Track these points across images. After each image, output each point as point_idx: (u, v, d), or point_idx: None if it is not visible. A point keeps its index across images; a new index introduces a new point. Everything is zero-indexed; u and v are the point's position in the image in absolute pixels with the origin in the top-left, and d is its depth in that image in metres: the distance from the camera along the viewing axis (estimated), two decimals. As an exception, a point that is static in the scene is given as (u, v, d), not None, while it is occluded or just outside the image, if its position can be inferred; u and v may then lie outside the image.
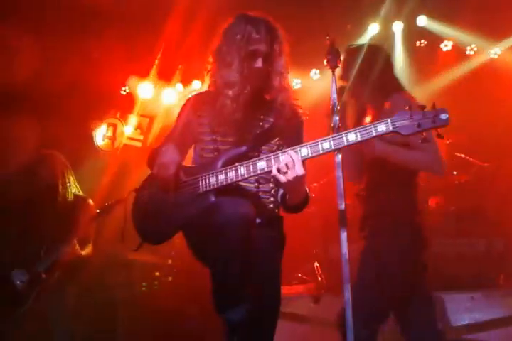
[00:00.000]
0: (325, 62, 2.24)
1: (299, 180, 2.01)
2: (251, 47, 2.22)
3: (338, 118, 2.18)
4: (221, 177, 2.13)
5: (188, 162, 2.43)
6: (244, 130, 2.30)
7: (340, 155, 2.16)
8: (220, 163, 2.18)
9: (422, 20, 5.49)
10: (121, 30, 4.89)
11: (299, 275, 4.71)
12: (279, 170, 2.01)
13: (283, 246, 2.35)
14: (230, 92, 2.24)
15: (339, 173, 2.18)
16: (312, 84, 5.99)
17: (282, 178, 2.01)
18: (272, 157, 2.08)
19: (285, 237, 2.36)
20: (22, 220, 3.98)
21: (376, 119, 2.35)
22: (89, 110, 5.48)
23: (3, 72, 4.24)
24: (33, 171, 3.98)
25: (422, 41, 5.71)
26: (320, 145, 2.02)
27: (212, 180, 2.15)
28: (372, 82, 2.78)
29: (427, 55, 5.76)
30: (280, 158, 2.03)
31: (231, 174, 2.12)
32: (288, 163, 1.99)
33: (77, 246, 3.88)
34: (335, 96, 2.21)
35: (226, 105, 2.25)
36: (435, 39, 5.62)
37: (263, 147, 2.28)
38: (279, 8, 4.21)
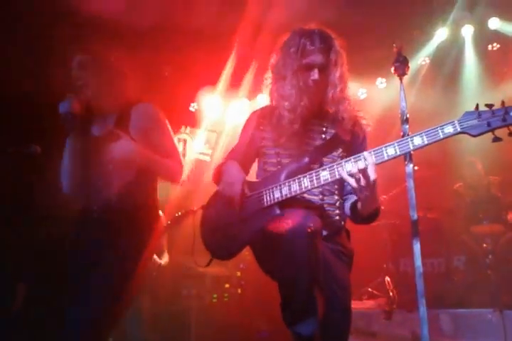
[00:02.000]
0: (392, 70, 2.20)
1: (371, 185, 1.96)
2: (306, 59, 2.21)
3: (407, 126, 2.12)
4: (285, 190, 2.13)
5: (251, 175, 2.45)
6: (305, 142, 2.29)
7: (410, 165, 2.10)
8: (283, 176, 2.18)
9: (495, 23, 5.27)
10: (190, 48, 5.03)
11: (370, 290, 4.60)
12: (351, 175, 1.98)
13: (350, 259, 2.29)
14: (287, 104, 2.25)
15: (410, 184, 2.11)
16: (378, 93, 5.88)
17: (353, 183, 1.97)
18: (336, 166, 2.05)
19: (352, 250, 2.30)
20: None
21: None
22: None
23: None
24: None
25: (495, 44, 5.48)
26: (384, 151, 1.97)
27: (277, 193, 2.15)
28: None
29: (500, 58, 5.51)
30: (350, 162, 2.00)
31: (295, 186, 2.12)
32: (361, 166, 1.95)
33: (155, 256, 3.99)
34: (404, 104, 2.16)
35: (284, 117, 2.26)
36: (509, 42, 5.37)
37: (324, 159, 2.26)
38: (344, 18, 4.19)
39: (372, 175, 1.94)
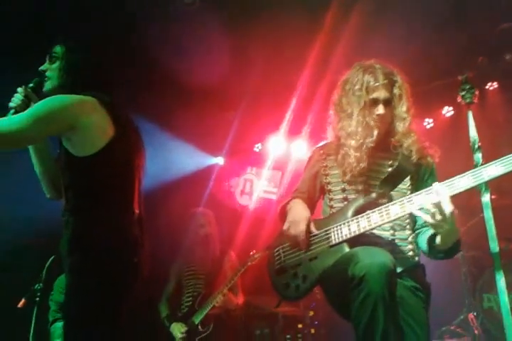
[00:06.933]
0: (459, 99, 2.16)
1: (449, 218, 1.87)
2: (370, 95, 2.22)
3: (480, 155, 2.05)
4: (353, 227, 2.10)
5: (317, 213, 2.42)
6: (372, 177, 2.27)
7: (487, 195, 2.01)
8: (350, 213, 2.16)
9: None
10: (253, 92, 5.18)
11: (452, 328, 4.33)
12: (424, 210, 1.91)
13: (427, 295, 2.19)
14: (353, 142, 2.23)
15: (488, 215, 2.02)
16: (445, 122, 5.73)
17: (429, 219, 1.90)
18: (406, 201, 2.00)
19: (429, 286, 2.21)
20: (177, 278, 4.29)
21: None
22: (229, 169, 5.89)
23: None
24: (193, 219, 4.30)
25: None
26: (457, 183, 1.89)
27: (345, 230, 2.11)
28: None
29: None
30: (421, 195, 1.93)
31: (363, 223, 2.07)
32: (434, 200, 1.87)
33: (232, 295, 4.00)
34: (474, 132, 2.10)
35: (350, 155, 2.24)
36: None
37: (393, 193, 2.21)
38: (407, 47, 4.19)
39: (448, 207, 1.86)
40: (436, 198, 1.87)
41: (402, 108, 2.23)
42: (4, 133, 1.95)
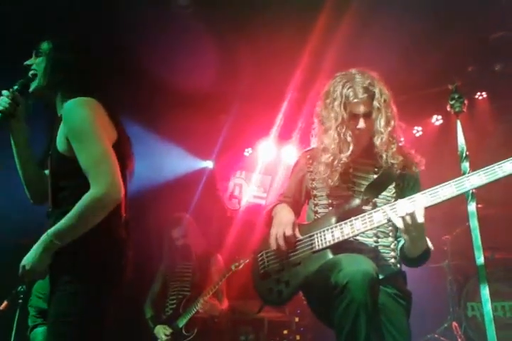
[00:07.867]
0: (448, 107, 2.17)
1: (418, 228, 1.92)
2: (350, 111, 2.22)
3: (467, 164, 2.06)
4: (337, 233, 2.11)
5: (302, 217, 2.43)
6: (356, 183, 2.28)
7: (473, 204, 2.03)
8: (334, 219, 2.16)
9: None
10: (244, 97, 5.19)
11: (436, 336, 4.34)
12: (400, 217, 1.94)
13: (408, 303, 2.20)
14: (324, 158, 2.26)
15: (474, 224, 2.03)
16: (434, 131, 5.78)
17: (401, 225, 1.94)
18: (388, 208, 2.01)
19: (410, 293, 2.22)
20: (163, 280, 4.28)
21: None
22: (219, 173, 5.88)
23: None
24: (168, 232, 4.30)
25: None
26: (441, 192, 1.92)
27: (328, 236, 2.12)
28: None
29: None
30: (399, 204, 1.96)
31: (347, 229, 2.08)
32: (408, 209, 1.91)
33: (216, 301, 3.98)
34: (462, 141, 2.11)
35: (320, 171, 2.27)
36: None
37: (377, 200, 2.23)
38: (395, 58, 4.22)
39: (419, 218, 1.91)
40: (412, 208, 1.91)
41: (381, 121, 2.22)
42: (105, 166, 1.92)
